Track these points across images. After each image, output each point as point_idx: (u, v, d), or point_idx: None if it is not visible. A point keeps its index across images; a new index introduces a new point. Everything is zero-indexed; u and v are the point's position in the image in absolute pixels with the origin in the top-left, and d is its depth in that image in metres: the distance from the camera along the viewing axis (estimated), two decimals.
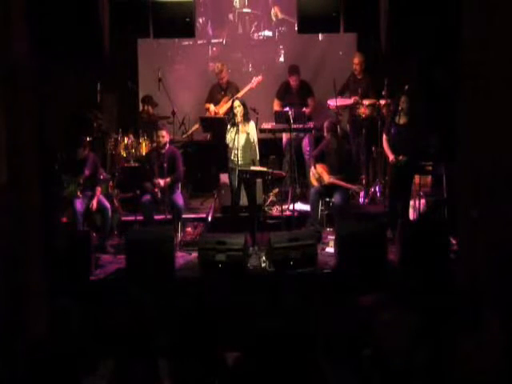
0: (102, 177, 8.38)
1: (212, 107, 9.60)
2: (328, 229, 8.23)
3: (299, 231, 7.86)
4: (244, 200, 8.02)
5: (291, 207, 8.21)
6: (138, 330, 3.43)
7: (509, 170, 4.47)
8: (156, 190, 8.11)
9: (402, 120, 8.07)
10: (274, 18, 10.37)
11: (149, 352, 3.37)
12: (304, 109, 9.18)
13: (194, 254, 7.50)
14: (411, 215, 8.18)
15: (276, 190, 8.93)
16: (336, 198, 8.03)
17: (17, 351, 3.73)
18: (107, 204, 8.06)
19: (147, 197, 8.10)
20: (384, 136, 8.29)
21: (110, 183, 8.76)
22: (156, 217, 8.11)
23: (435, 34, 7.91)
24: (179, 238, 8.02)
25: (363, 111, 9.16)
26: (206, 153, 9.29)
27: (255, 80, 9.35)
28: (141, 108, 9.80)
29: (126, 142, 9.09)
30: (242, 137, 7.88)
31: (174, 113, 9.38)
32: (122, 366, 3.31)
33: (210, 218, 8.39)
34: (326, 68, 10.13)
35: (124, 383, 3.30)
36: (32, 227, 4.33)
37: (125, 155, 9.05)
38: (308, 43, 10.29)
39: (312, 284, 6.65)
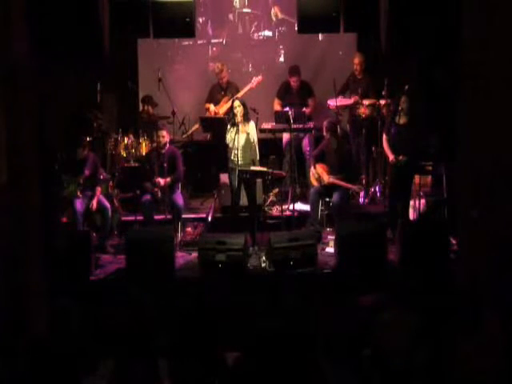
0: (101, 177, 8.38)
1: (212, 107, 9.59)
2: (328, 229, 8.23)
3: (299, 231, 7.86)
4: (244, 200, 8.02)
5: (291, 207, 8.20)
6: (138, 330, 3.43)
7: (509, 170, 4.46)
8: (156, 189, 8.11)
9: (402, 120, 8.06)
10: (273, 18, 10.36)
11: (149, 352, 3.37)
12: (304, 109, 9.16)
13: (194, 254, 7.50)
14: (411, 215, 8.17)
15: (276, 190, 8.92)
16: (336, 198, 8.03)
17: (17, 351, 3.72)
18: (107, 204, 8.06)
19: (147, 197, 8.10)
20: (384, 136, 8.29)
21: (110, 183, 8.76)
22: (156, 217, 8.11)
23: (435, 34, 7.93)
24: (179, 238, 8.02)
25: (363, 111, 9.15)
26: (206, 153, 9.28)
27: (255, 80, 9.34)
28: (141, 108, 9.78)
29: (125, 142, 9.08)
30: (242, 137, 7.88)
31: (173, 113, 9.36)
32: (122, 366, 3.31)
33: (210, 218, 8.39)
34: (326, 68, 10.12)
35: (124, 383, 3.30)
36: (32, 227, 4.33)
37: (125, 155, 9.05)
38: (308, 43, 10.29)
39: (312, 284, 6.65)
